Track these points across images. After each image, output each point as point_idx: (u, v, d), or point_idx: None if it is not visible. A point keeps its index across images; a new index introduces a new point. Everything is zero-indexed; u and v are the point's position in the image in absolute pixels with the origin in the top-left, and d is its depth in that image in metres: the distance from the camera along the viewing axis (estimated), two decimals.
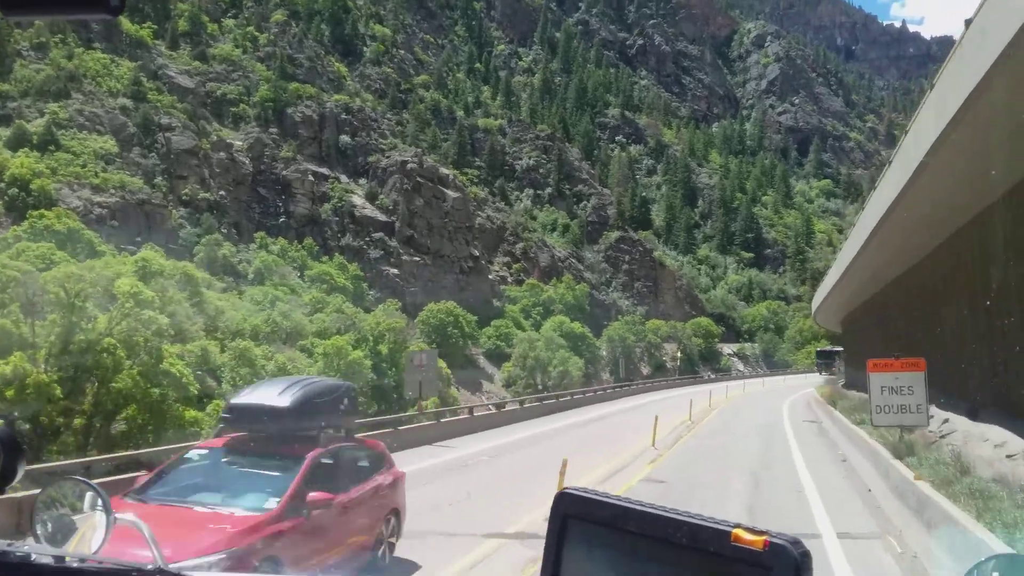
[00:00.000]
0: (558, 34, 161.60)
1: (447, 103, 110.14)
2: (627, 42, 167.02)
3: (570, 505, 1.03)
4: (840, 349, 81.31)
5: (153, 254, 42.31)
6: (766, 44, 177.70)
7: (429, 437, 22.44)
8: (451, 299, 69.65)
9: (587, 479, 14.51)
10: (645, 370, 79.72)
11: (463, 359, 64.37)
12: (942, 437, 16.36)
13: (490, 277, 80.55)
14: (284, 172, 74.97)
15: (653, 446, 20.10)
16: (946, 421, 17.71)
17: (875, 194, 21.06)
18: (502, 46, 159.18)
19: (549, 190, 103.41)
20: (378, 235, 73.29)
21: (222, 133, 75.83)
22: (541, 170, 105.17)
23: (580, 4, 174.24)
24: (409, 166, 77.52)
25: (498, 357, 66.49)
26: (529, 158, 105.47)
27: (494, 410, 36.39)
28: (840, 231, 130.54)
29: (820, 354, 78.89)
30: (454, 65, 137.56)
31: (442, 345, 63.60)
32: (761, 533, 0.88)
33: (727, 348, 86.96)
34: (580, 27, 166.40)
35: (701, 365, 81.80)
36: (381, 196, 76.86)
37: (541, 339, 63.44)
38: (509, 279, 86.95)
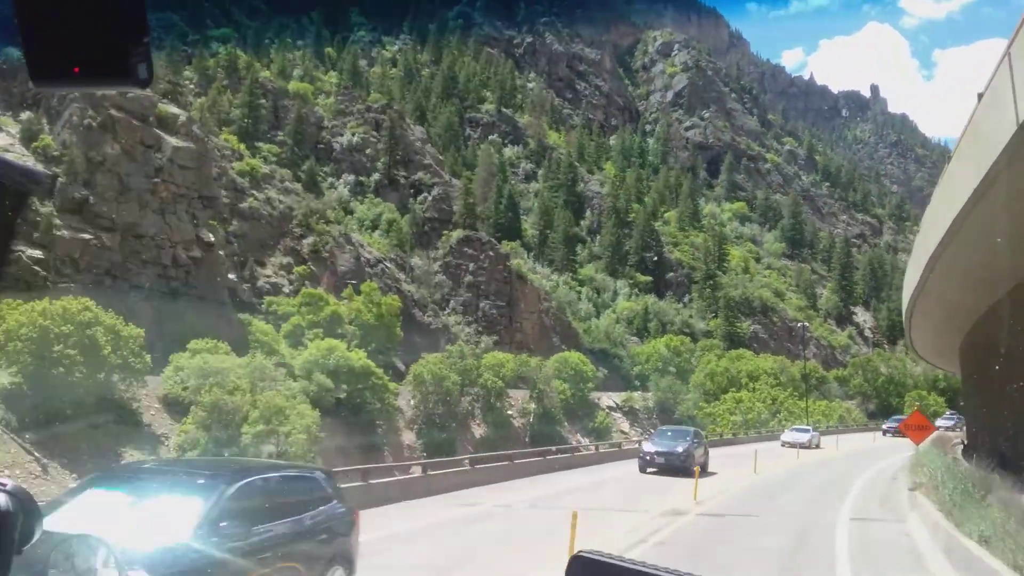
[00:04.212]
0: (432, 26, 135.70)
1: (246, 59, 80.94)
2: (514, 41, 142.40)
3: (584, 568, 0.99)
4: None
5: None
6: (673, 53, 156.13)
7: None
8: (150, 305, 40.38)
9: None
10: (479, 431, 51.05)
11: (90, 407, 33.99)
12: None
13: (237, 278, 50.79)
14: None
15: None
16: None
17: None
18: (363, 32, 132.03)
19: (377, 176, 74.99)
20: None
21: None
22: (369, 151, 76.78)
23: None
24: (100, 93, 47.55)
25: (188, 407, 36.46)
26: (353, 134, 77.01)
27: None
28: (758, 259, 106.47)
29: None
30: (289, 41, 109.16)
31: (39, 378, 33.77)
32: None
33: (607, 398, 58.88)
34: (460, 20, 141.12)
35: (566, 424, 53.60)
36: (46, 136, 46.48)
37: (244, 371, 33.80)
38: (287, 288, 57.56)
